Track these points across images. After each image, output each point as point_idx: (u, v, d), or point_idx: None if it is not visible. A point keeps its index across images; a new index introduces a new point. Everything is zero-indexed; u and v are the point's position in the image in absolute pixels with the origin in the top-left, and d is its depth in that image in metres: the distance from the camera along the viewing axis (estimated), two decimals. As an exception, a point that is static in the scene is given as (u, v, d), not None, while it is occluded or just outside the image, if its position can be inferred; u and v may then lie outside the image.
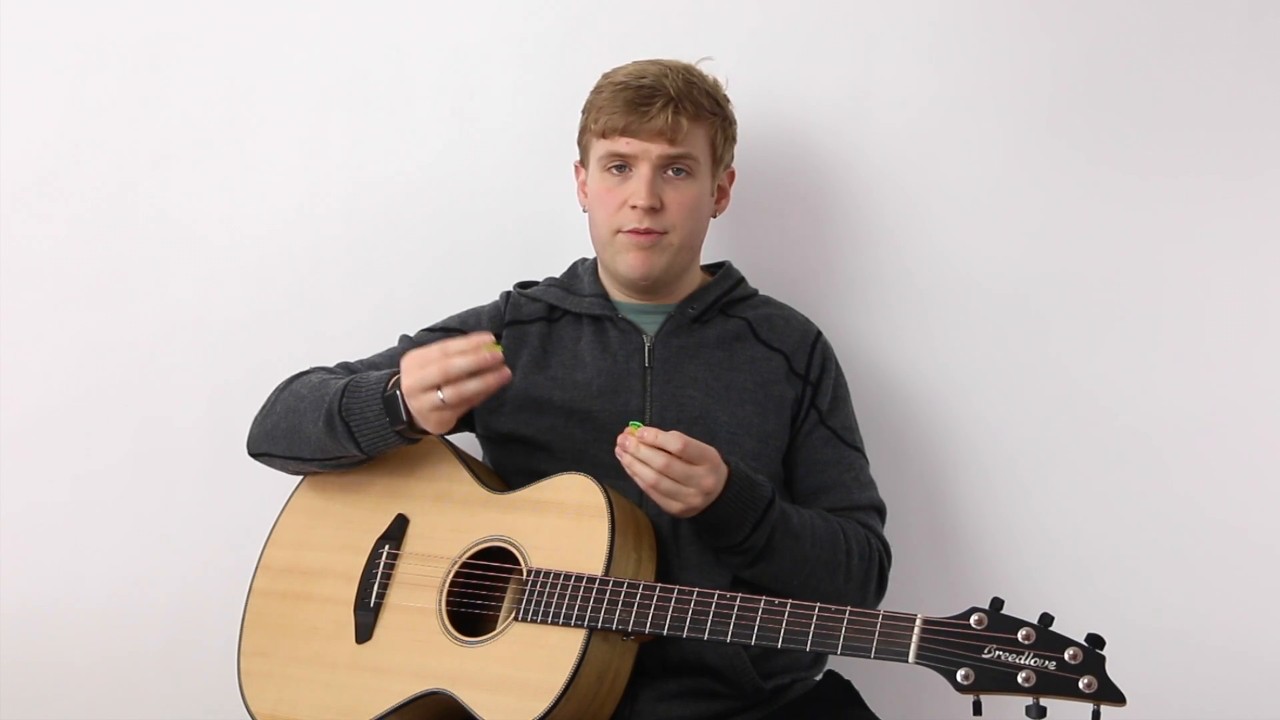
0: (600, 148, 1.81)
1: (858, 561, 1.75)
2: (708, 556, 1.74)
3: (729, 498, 1.65)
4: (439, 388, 1.61)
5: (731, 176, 1.93)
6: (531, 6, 2.18)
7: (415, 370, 1.64)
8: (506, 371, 1.63)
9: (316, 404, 1.74)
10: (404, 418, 1.66)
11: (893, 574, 1.85)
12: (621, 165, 1.80)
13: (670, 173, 1.80)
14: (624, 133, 1.78)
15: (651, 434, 1.61)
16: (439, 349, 1.63)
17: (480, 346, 1.62)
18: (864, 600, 1.77)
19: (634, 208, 1.79)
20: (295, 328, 2.19)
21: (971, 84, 2.10)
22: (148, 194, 2.23)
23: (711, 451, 1.63)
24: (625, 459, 1.63)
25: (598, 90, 1.84)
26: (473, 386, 1.62)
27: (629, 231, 1.80)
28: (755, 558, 1.69)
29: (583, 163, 1.89)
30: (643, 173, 1.78)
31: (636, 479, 1.62)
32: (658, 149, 1.78)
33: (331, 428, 1.71)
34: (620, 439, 1.63)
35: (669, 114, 1.76)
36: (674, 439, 1.60)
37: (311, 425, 1.74)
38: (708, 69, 1.88)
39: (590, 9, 2.17)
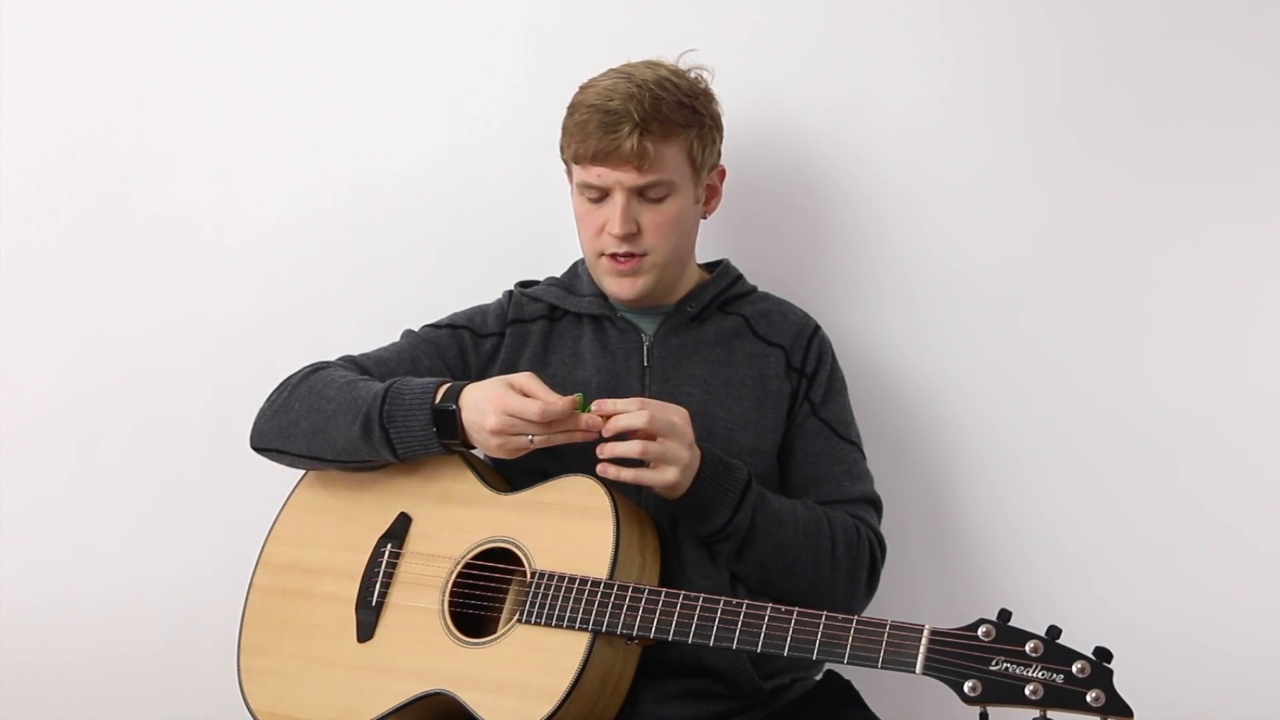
0: (576, 174, 1.82)
1: (844, 549, 1.74)
2: (704, 553, 1.74)
3: (706, 478, 1.65)
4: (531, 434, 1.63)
5: (722, 174, 1.91)
6: (532, 5, 2.17)
7: (504, 416, 1.63)
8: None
9: (350, 407, 1.73)
10: (458, 438, 1.68)
11: (893, 575, 1.85)
12: (597, 196, 1.80)
13: (646, 197, 1.79)
14: (594, 161, 1.77)
15: (610, 405, 1.63)
16: (542, 411, 1.61)
17: (577, 419, 1.63)
18: (854, 590, 1.76)
19: (611, 234, 1.79)
20: (295, 326, 2.19)
21: (970, 83, 2.09)
22: (148, 193, 2.23)
23: (675, 405, 1.64)
24: (606, 448, 1.62)
25: (571, 110, 1.81)
26: (561, 440, 1.64)
27: (609, 257, 1.81)
28: (741, 543, 1.69)
29: (567, 173, 1.88)
30: (617, 200, 1.78)
31: (625, 455, 1.61)
32: (628, 178, 1.76)
33: (368, 434, 1.71)
34: (600, 449, 1.63)
35: (635, 140, 1.73)
36: (631, 400, 1.62)
37: (342, 428, 1.73)
38: (693, 60, 1.86)
39: (591, 9, 2.16)
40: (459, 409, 1.67)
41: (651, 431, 1.61)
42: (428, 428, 1.68)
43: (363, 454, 1.74)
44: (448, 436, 1.68)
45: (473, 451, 1.77)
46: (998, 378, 2.08)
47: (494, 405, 1.64)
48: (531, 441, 1.63)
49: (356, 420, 1.72)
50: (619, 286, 1.82)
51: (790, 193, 2.13)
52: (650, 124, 1.74)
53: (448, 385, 1.70)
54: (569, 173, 1.86)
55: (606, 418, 1.63)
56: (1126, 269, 2.05)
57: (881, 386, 2.10)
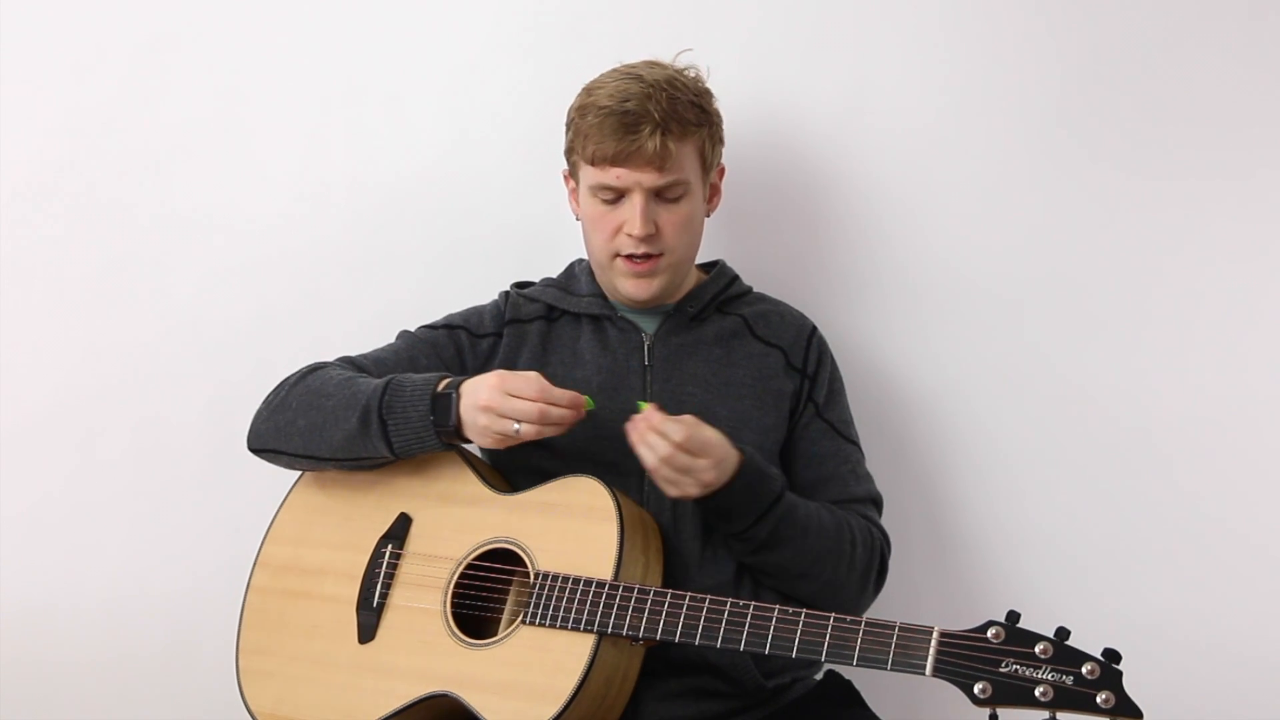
0: (590, 175, 1.79)
1: (861, 552, 1.75)
2: (707, 553, 1.75)
3: (738, 487, 1.65)
4: (519, 421, 1.62)
5: (721, 172, 1.92)
6: (531, 6, 2.17)
7: (503, 397, 1.63)
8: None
9: (348, 402, 1.72)
10: (452, 422, 1.66)
11: (893, 576, 1.85)
12: (612, 197, 1.79)
13: (663, 197, 1.78)
14: (613, 163, 1.75)
15: (659, 419, 1.61)
16: (541, 390, 1.63)
17: (580, 408, 1.65)
18: (864, 588, 1.77)
19: (630, 235, 1.78)
20: (295, 327, 2.19)
21: (968, 84, 2.09)
22: (148, 194, 2.23)
23: (717, 444, 1.63)
24: (634, 437, 1.63)
25: (582, 112, 1.79)
26: (550, 433, 1.64)
27: (626, 258, 1.80)
28: (758, 547, 1.70)
29: (572, 176, 1.87)
30: (636, 201, 1.77)
31: (641, 459, 1.63)
32: (649, 178, 1.75)
33: (366, 425, 1.70)
34: (632, 421, 1.64)
35: (657, 141, 1.73)
36: (677, 429, 1.60)
37: (339, 423, 1.72)
38: (687, 60, 1.85)
39: (590, 9, 2.16)
40: (459, 394, 1.67)
41: (662, 470, 1.62)
42: (425, 417, 1.67)
43: (358, 450, 1.73)
44: (443, 423, 1.67)
45: (469, 447, 1.76)
46: (997, 378, 2.09)
47: (493, 380, 1.65)
48: (517, 431, 1.62)
49: (355, 413, 1.71)
50: (635, 288, 1.82)
51: (788, 193, 2.13)
52: (670, 124, 1.74)
53: (451, 378, 1.70)
54: (574, 175, 1.85)
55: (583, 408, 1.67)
56: (1126, 269, 2.05)
57: (880, 387, 2.10)
